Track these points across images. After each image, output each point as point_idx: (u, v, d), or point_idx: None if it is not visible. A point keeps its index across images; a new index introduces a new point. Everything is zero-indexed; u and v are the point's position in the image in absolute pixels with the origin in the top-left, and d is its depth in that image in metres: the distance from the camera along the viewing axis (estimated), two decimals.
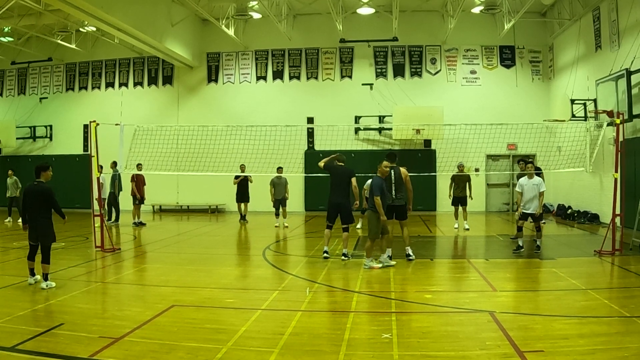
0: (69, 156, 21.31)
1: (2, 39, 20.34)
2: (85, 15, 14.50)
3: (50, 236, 7.53)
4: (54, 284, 7.36)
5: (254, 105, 20.47)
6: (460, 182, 14.06)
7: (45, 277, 7.35)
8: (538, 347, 4.89)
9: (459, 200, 14.06)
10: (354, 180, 9.84)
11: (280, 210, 15.30)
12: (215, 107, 20.76)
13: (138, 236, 13.98)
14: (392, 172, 9.52)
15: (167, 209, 21.01)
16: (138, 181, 16.09)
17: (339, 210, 9.79)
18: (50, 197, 7.50)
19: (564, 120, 15.05)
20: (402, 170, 9.66)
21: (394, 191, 9.51)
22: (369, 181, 12.25)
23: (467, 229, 13.91)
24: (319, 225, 14.28)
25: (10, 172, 17.12)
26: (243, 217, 16.67)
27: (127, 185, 16.34)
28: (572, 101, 15.69)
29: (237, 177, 16.23)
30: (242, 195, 16.62)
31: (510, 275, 8.58)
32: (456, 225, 14.29)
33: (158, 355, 4.79)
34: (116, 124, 12.20)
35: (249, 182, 16.55)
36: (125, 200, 16.51)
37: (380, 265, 8.94)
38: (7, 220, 16.24)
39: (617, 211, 10.47)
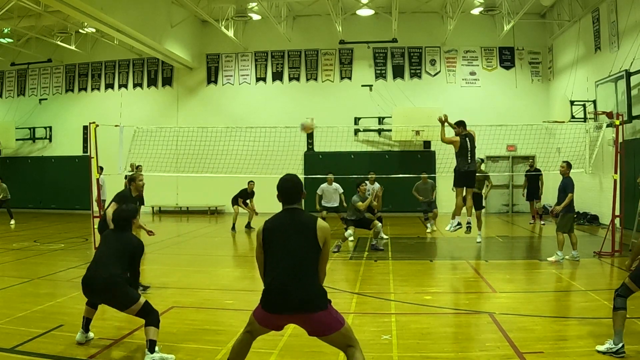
0: (69, 157, 21.32)
1: (2, 40, 20.34)
2: (84, 16, 14.50)
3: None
4: (171, 357, 4.79)
5: (253, 106, 20.47)
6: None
7: (152, 347, 4.71)
8: (538, 348, 4.89)
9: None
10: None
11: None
12: (214, 109, 20.75)
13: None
14: (467, 139, 9.95)
15: (166, 210, 21.01)
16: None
17: None
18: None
19: (563, 122, 15.06)
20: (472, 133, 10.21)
21: (469, 158, 9.91)
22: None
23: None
24: None
25: None
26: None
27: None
28: (572, 102, 15.69)
29: (245, 199, 15.28)
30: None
31: (510, 276, 8.58)
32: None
33: None
34: (116, 125, 12.21)
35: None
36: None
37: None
38: (11, 222, 16.28)
39: (617, 212, 10.47)
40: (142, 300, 4.91)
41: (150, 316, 4.85)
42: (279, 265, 3.71)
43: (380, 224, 11.46)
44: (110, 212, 6.53)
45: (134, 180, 7.37)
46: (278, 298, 3.65)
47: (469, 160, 9.90)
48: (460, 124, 10.18)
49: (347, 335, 3.71)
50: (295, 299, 3.62)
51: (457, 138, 10.04)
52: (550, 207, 18.17)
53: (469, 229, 10.33)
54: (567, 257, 9.49)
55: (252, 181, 15.03)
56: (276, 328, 3.87)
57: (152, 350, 4.68)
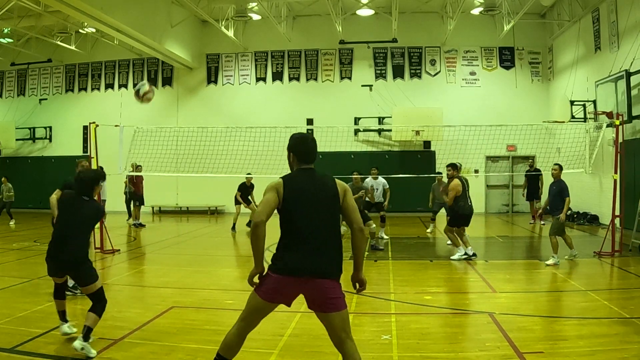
0: (69, 157, 21.25)
1: (2, 40, 20.34)
2: (84, 16, 14.51)
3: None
4: (93, 353, 4.71)
5: (253, 106, 20.47)
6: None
7: (87, 334, 4.73)
8: (538, 348, 4.89)
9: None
10: None
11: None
12: (214, 109, 20.75)
13: (137, 237, 13.97)
14: (464, 179, 10.06)
15: (166, 210, 21.01)
16: (137, 182, 16.20)
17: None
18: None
19: (563, 122, 15.06)
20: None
21: (467, 197, 10.01)
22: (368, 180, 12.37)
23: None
24: None
25: (4, 179, 17.11)
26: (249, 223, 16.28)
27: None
28: (572, 102, 15.69)
29: (243, 193, 15.19)
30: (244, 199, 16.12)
31: (510, 276, 8.58)
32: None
33: (158, 356, 4.79)
34: (116, 125, 12.22)
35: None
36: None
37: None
38: (11, 222, 16.28)
39: (617, 212, 10.47)
40: (99, 283, 5.09)
41: (99, 303, 4.97)
42: (308, 229, 3.63)
43: (374, 225, 11.28)
44: (53, 198, 6.28)
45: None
46: (308, 259, 3.58)
47: (467, 200, 10.03)
48: (455, 167, 10.17)
49: (345, 320, 3.68)
50: (326, 262, 3.63)
51: (458, 183, 9.94)
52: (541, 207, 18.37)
53: (474, 255, 10.14)
54: (565, 257, 9.49)
55: (249, 174, 14.94)
56: (287, 300, 3.73)
57: (86, 338, 4.69)
